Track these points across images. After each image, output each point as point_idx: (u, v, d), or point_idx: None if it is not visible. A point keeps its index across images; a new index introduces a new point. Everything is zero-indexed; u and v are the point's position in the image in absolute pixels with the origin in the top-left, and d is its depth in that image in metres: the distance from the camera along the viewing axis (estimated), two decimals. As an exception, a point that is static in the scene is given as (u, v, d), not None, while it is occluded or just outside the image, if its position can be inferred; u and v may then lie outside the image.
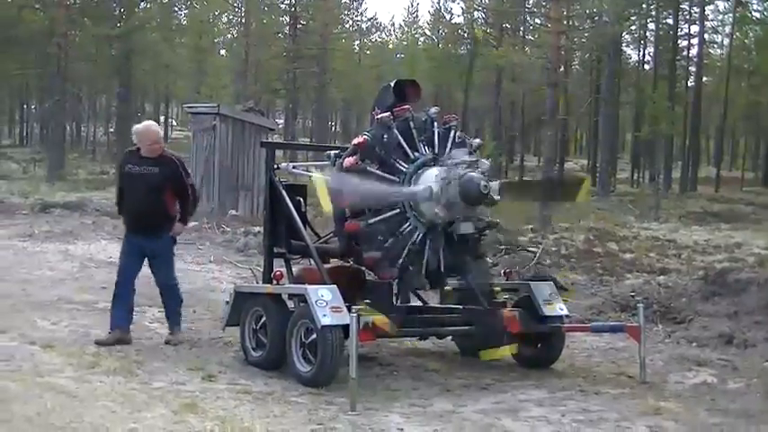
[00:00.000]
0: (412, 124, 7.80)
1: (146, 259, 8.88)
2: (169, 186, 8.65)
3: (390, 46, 74.17)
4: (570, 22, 32.25)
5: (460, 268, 7.96)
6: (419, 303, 8.72)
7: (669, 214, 29.42)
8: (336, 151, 8.63)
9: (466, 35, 54.07)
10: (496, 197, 7.47)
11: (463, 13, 54.68)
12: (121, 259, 8.97)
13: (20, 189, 28.96)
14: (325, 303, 7.10)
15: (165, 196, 8.66)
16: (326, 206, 7.21)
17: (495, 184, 7.49)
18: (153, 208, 8.62)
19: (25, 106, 63.79)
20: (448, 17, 58.08)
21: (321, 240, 8.95)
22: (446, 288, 8.51)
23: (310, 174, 8.40)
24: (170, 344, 8.68)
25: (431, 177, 7.46)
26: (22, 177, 35.20)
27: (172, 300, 8.98)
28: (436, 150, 7.79)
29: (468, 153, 7.65)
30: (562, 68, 33.29)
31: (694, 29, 47.70)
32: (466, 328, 8.13)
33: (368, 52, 70.04)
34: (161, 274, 8.92)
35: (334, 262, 8.47)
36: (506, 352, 8.01)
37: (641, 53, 55.20)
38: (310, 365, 7.28)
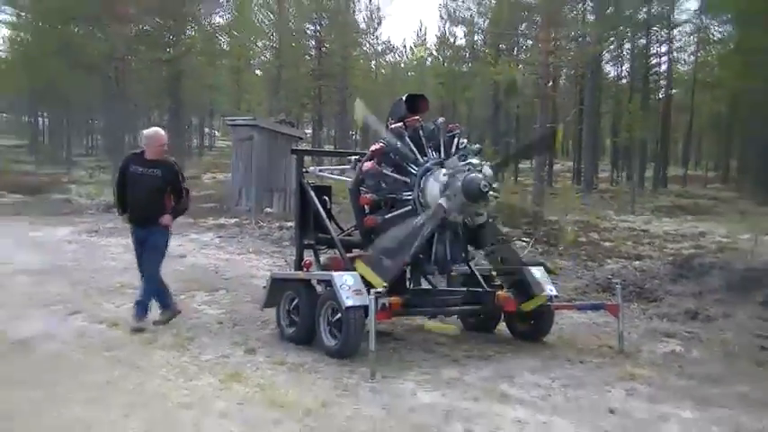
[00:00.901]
0: (421, 132, 7.83)
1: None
2: (168, 188, 8.50)
3: (402, 65, 73.89)
4: (557, 43, 32.07)
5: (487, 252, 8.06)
6: (429, 287, 8.76)
7: (643, 208, 29.24)
8: (357, 156, 8.68)
9: (468, 55, 53.90)
10: (495, 185, 7.49)
11: (465, 36, 54.53)
12: (136, 253, 8.76)
13: (87, 192, 29.13)
14: (348, 287, 7.13)
15: (165, 196, 8.50)
16: (378, 282, 6.92)
17: (487, 168, 7.51)
18: (155, 206, 8.42)
19: (91, 121, 63.93)
20: (452, 40, 57.78)
21: (344, 233, 9.00)
22: (452, 273, 8.55)
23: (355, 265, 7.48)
24: (135, 330, 8.23)
25: (436, 189, 7.45)
26: (89, 182, 35.27)
27: (148, 288, 8.54)
28: (442, 155, 7.83)
29: (463, 158, 7.61)
30: (551, 83, 33.10)
31: (664, 48, 47.30)
32: (469, 307, 8.17)
33: (383, 71, 69.84)
34: (147, 262, 8.55)
35: (356, 251, 8.49)
36: (540, 301, 7.89)
37: (619, 69, 54.78)
38: (336, 340, 7.32)
